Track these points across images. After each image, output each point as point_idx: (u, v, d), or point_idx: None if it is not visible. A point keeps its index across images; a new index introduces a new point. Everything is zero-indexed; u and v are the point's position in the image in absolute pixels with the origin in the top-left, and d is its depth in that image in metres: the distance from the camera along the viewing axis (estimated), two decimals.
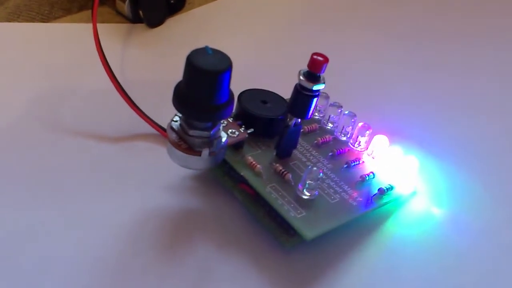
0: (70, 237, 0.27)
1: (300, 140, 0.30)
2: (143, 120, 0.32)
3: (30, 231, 0.27)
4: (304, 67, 0.27)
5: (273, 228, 0.27)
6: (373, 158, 0.30)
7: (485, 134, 0.34)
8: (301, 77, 0.27)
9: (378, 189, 0.29)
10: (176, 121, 0.27)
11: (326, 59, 0.26)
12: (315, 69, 0.26)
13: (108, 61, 0.32)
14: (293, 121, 0.28)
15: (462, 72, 0.39)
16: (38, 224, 0.27)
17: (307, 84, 0.26)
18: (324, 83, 0.27)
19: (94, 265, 0.26)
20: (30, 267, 0.26)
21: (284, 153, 0.29)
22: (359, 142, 0.31)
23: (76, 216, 0.28)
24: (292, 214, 0.26)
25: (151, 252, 0.27)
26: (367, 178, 0.29)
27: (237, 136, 0.28)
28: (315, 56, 0.26)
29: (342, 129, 0.31)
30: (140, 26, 0.40)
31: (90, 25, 0.33)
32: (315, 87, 0.26)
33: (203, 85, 0.25)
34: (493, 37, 0.43)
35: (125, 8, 0.40)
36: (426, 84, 0.38)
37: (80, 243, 0.27)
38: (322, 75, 0.27)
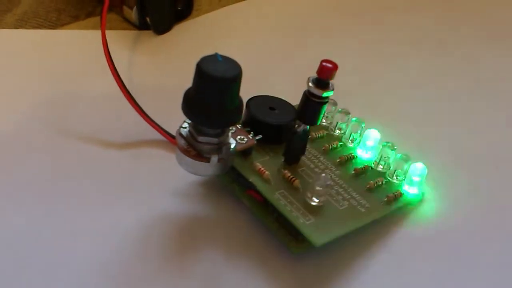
0: (76, 244, 0.27)
1: (308, 146, 0.30)
2: (151, 127, 0.32)
3: (36, 237, 0.27)
4: (313, 74, 0.27)
5: (282, 235, 0.27)
6: (380, 164, 0.30)
7: (492, 139, 0.34)
8: (310, 84, 0.27)
9: (386, 196, 0.29)
10: (185, 127, 0.27)
11: (335, 66, 0.26)
12: (324, 76, 0.26)
13: (116, 67, 0.32)
14: (301, 127, 0.28)
15: (470, 77, 0.39)
16: (44, 230, 0.27)
17: (316, 91, 0.26)
18: (333, 90, 0.27)
19: (100, 272, 0.26)
20: (36, 273, 0.26)
21: (292, 159, 0.29)
22: (367, 148, 0.31)
23: (83, 222, 0.28)
24: (301, 221, 0.26)
25: (158, 258, 0.27)
26: (375, 185, 0.29)
27: (245, 142, 0.28)
28: (324, 63, 0.26)
29: (350, 136, 0.31)
30: (148, 33, 0.40)
31: (98, 32, 0.33)
32: (324, 94, 0.27)
33: (213, 91, 0.25)
34: (498, 40, 0.43)
35: (133, 15, 0.40)
36: (434, 89, 0.38)
37: (86, 249, 0.27)
38: (331, 82, 0.27)
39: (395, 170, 0.30)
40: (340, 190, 0.29)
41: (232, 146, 0.27)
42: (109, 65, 0.32)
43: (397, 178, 0.30)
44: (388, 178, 0.30)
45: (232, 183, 0.29)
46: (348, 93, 0.32)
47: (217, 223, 0.29)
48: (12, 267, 0.26)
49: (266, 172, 0.28)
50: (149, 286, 0.26)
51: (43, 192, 0.29)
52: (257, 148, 0.29)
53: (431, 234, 0.29)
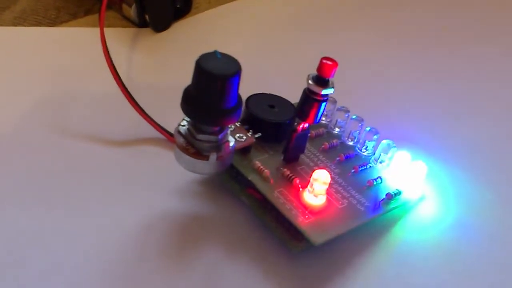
0: (76, 242, 0.27)
1: (307, 144, 0.30)
2: (149, 125, 0.32)
3: (36, 235, 0.27)
4: (313, 72, 0.27)
5: (281, 233, 0.27)
6: (380, 163, 0.30)
7: (493, 138, 0.34)
8: (310, 82, 0.26)
9: (386, 194, 0.29)
10: (184, 125, 0.27)
11: (335, 64, 0.26)
12: (324, 74, 0.26)
13: (115, 65, 0.32)
14: (301, 125, 0.28)
15: (470, 76, 0.39)
16: (44, 228, 0.27)
17: (316, 89, 0.26)
18: (333, 87, 0.27)
19: (100, 270, 0.26)
20: (36, 272, 0.26)
21: (291, 157, 0.29)
22: (366, 146, 0.30)
23: (82, 221, 0.28)
24: (300, 219, 0.26)
25: (158, 257, 0.27)
26: (375, 183, 0.29)
27: (244, 140, 0.28)
28: (324, 61, 0.26)
29: (349, 134, 0.31)
30: (146, 31, 0.40)
31: (97, 29, 0.33)
32: (324, 92, 0.26)
33: (212, 89, 0.25)
34: (501, 40, 0.43)
35: (132, 12, 0.40)
36: (433, 88, 0.38)
37: (87, 248, 0.27)
38: (331, 79, 0.27)
39: (395, 169, 0.29)
40: (340, 188, 0.28)
41: (231, 144, 0.27)
42: (107, 63, 0.32)
43: (397, 177, 0.29)
44: (388, 176, 0.29)
45: (231, 181, 0.29)
46: (348, 91, 0.32)
47: (216, 221, 0.28)
48: (12, 267, 0.26)
49: (265, 170, 0.28)
50: (149, 285, 0.26)
51: (43, 192, 0.29)
52: (256, 146, 0.29)
53: (431, 232, 0.29)
